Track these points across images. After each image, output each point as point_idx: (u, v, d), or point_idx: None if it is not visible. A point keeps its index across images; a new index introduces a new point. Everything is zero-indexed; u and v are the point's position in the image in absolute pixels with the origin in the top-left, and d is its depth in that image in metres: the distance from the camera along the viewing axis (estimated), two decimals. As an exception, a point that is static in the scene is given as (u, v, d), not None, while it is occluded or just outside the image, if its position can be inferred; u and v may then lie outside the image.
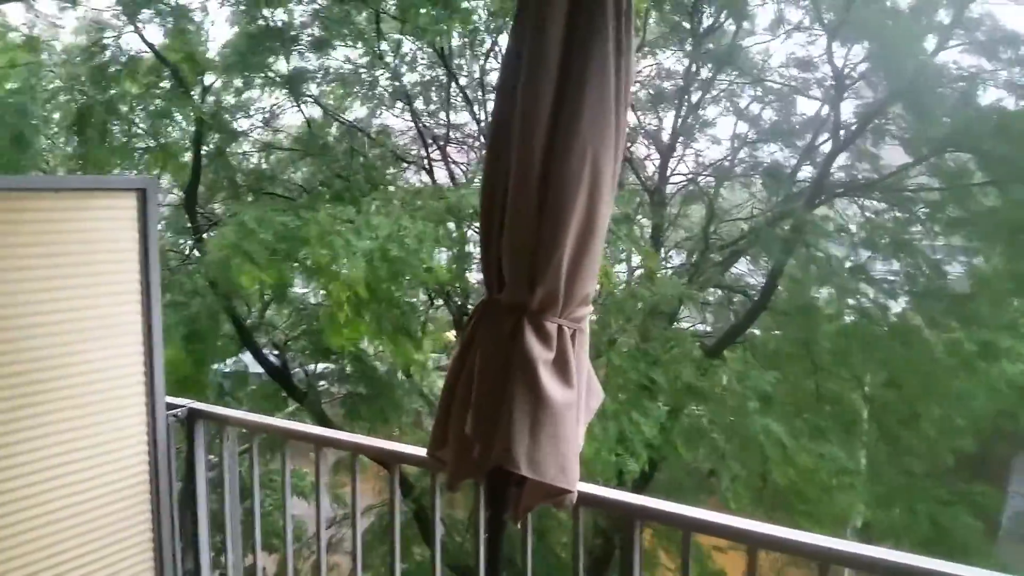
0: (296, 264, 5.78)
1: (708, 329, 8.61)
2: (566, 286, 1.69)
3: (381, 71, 8.26)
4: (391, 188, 7.67)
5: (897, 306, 7.18)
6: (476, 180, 7.81)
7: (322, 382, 8.80)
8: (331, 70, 8.40)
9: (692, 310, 8.59)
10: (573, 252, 1.67)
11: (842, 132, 7.29)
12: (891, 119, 7.18)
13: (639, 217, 8.28)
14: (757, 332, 8.09)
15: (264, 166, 9.03)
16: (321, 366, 8.86)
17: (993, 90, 6.96)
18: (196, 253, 8.58)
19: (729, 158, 8.39)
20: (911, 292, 7.01)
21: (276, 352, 8.60)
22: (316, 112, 8.84)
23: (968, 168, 6.95)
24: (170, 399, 3.02)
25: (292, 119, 9.11)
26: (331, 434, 2.57)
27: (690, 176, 8.70)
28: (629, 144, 8.21)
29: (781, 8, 7.72)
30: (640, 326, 6.62)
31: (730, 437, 6.46)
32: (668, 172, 8.41)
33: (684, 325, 8.39)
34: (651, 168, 8.64)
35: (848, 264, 7.25)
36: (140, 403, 2.93)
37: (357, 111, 8.83)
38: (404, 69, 8.21)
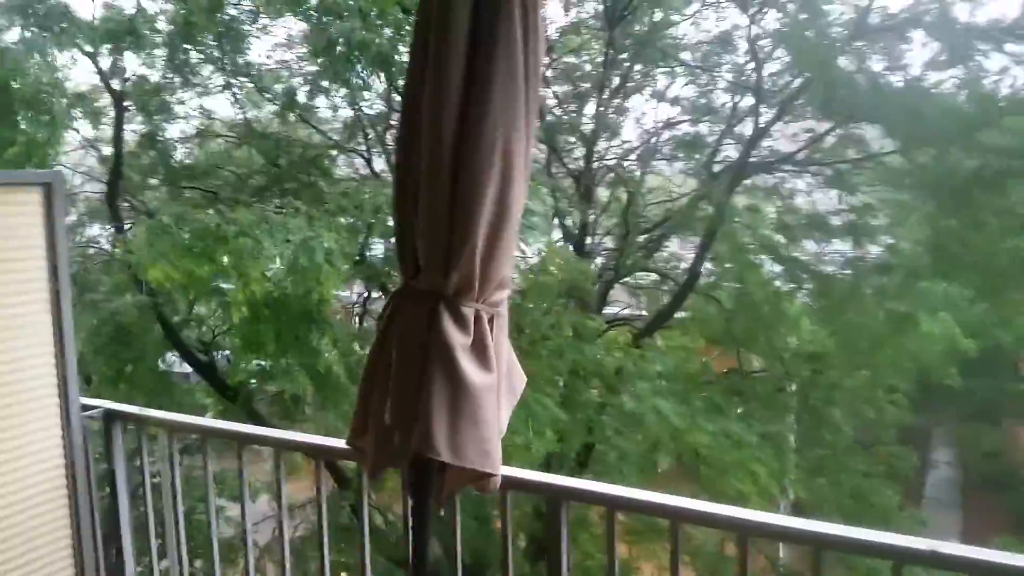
0: (213, 263, 5.63)
1: (642, 313, 8.74)
2: (481, 270, 1.68)
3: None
4: (321, 184, 7.51)
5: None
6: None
7: (252, 380, 8.61)
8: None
9: (625, 295, 8.71)
10: (487, 236, 1.66)
11: (762, 115, 7.48)
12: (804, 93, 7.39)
13: (568, 208, 8.36)
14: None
15: (195, 156, 8.75)
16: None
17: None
18: (116, 248, 8.29)
19: (653, 139, 8.51)
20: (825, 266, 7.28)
21: (203, 349, 8.38)
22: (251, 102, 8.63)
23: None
24: (85, 400, 2.91)
25: (225, 107, 8.89)
26: (254, 431, 2.51)
27: (611, 166, 8.79)
28: (552, 132, 8.26)
29: None
30: (552, 310, 6.69)
31: (621, 418, 6.60)
32: (593, 158, 8.47)
33: (614, 310, 8.50)
34: (578, 155, 8.70)
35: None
36: (53, 405, 2.82)
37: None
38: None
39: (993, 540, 11.05)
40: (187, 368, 8.75)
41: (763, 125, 7.49)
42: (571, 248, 8.15)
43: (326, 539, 2.36)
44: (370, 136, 8.45)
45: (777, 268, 7.68)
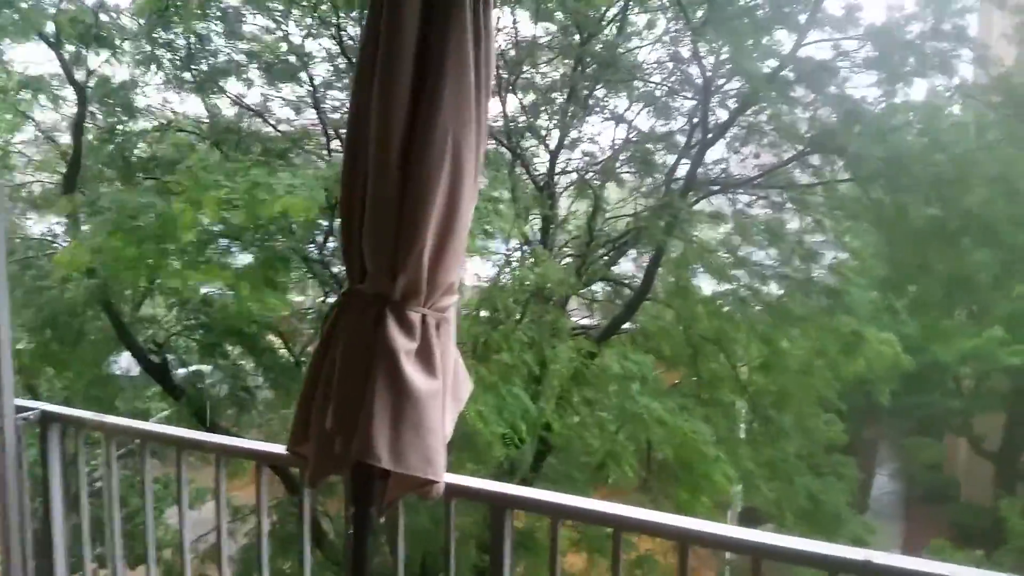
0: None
1: (596, 322, 8.82)
2: (429, 275, 1.67)
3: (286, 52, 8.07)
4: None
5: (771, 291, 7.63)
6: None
7: (208, 382, 8.48)
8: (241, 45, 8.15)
9: (579, 304, 8.78)
10: (436, 241, 1.65)
11: (711, 128, 7.65)
12: (759, 115, 7.57)
13: (531, 214, 8.41)
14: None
15: (158, 150, 8.61)
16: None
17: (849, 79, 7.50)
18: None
19: (612, 156, 8.63)
20: (783, 277, 7.44)
21: (155, 350, 8.20)
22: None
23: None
24: (20, 401, 2.81)
25: (190, 105, 8.77)
26: (195, 436, 2.46)
27: (577, 171, 8.88)
28: (517, 140, 8.31)
29: (654, 15, 8.04)
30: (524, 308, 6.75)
31: (617, 417, 6.69)
32: (556, 170, 8.54)
33: (572, 319, 8.55)
34: (541, 167, 8.76)
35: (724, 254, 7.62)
36: (-15, 406, 2.72)
37: (255, 95, 8.56)
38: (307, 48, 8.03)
39: (928, 545, 11.48)
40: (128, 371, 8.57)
41: (711, 136, 7.64)
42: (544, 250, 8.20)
43: (264, 547, 2.31)
44: (332, 137, 8.39)
45: (724, 287, 7.85)
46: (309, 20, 7.89)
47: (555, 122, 8.62)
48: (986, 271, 7.49)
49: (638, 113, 8.65)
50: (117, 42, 7.70)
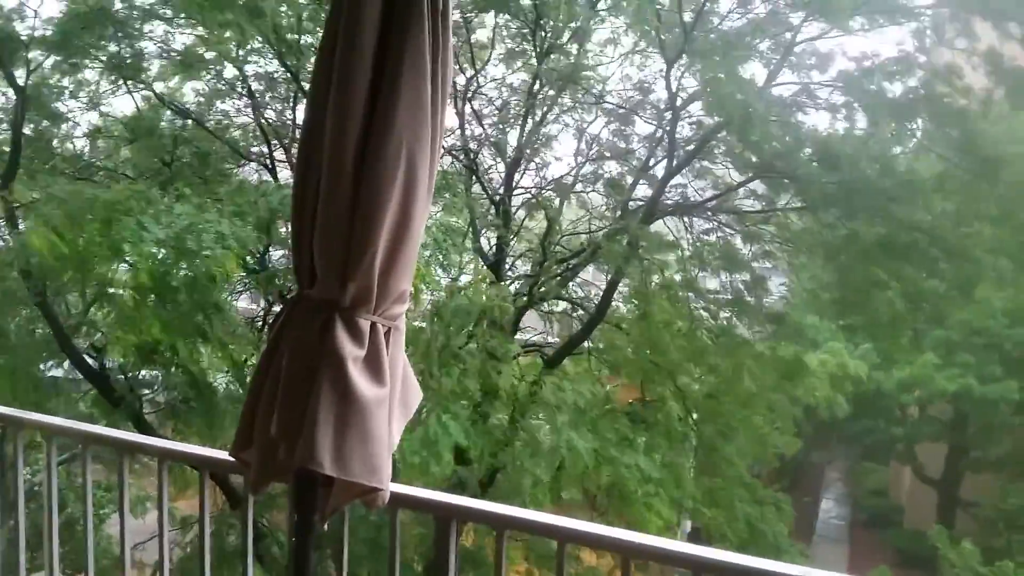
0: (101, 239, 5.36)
1: (552, 340, 8.84)
2: (380, 283, 1.66)
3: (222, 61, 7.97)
4: (222, 189, 7.32)
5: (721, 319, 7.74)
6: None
7: (146, 391, 8.26)
8: (170, 50, 8.00)
9: (536, 321, 8.79)
10: (387, 249, 1.65)
11: (677, 154, 7.75)
12: (718, 142, 7.72)
13: (484, 231, 8.42)
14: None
15: (87, 150, 8.41)
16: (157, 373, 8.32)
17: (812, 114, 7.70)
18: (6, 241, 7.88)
19: (571, 174, 8.69)
20: (732, 304, 7.56)
21: (94, 355, 7.99)
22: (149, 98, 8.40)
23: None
24: (-46, 401, 2.73)
25: (123, 103, 8.61)
26: (137, 439, 2.40)
27: (534, 189, 8.92)
28: (474, 155, 8.34)
29: (616, 30, 8.14)
30: (471, 333, 6.75)
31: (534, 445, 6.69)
32: (513, 185, 8.57)
33: (527, 336, 8.57)
34: (497, 180, 8.78)
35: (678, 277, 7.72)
36: (-83, 406, 2.63)
37: (193, 100, 8.42)
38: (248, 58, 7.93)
39: (869, 570, 11.67)
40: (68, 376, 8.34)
41: (676, 164, 7.75)
42: (490, 273, 8.19)
43: (207, 552, 2.27)
44: (274, 145, 8.31)
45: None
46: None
47: (509, 134, 8.66)
48: (935, 290, 7.67)
49: (600, 131, 8.75)
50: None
